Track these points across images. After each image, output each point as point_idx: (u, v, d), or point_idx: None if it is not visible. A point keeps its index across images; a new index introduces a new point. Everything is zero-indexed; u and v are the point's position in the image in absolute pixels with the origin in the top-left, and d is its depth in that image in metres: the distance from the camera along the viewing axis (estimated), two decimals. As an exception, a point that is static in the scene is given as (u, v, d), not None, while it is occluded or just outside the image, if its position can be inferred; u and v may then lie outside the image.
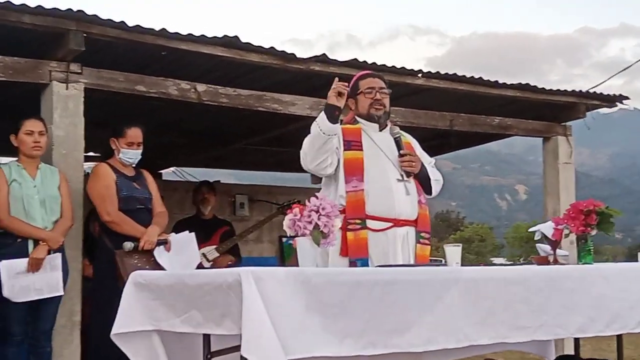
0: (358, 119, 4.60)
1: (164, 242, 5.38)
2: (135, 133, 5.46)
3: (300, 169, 10.66)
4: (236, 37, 5.86)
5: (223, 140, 8.37)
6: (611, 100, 7.67)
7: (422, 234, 4.54)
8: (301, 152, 4.37)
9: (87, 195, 5.44)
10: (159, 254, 5.36)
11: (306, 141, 4.33)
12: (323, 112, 4.26)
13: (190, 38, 5.72)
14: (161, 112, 6.95)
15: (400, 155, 4.49)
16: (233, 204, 9.33)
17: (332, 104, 4.22)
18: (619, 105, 7.77)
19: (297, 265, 3.55)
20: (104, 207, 5.30)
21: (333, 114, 4.22)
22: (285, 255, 9.61)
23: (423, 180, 4.59)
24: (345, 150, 4.44)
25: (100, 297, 5.27)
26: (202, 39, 5.76)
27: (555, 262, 4.51)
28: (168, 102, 6.19)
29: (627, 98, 7.66)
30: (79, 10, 5.32)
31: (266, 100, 6.35)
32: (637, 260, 4.83)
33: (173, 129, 7.81)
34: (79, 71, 5.56)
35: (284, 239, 9.65)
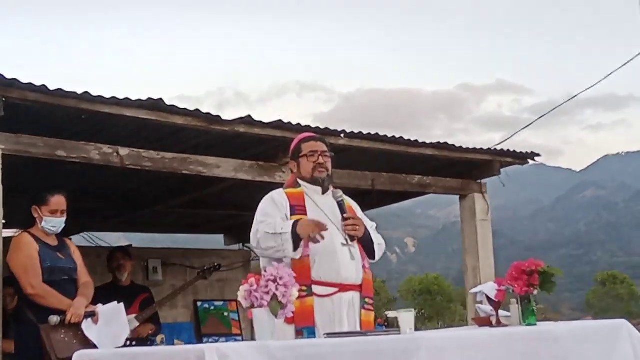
0: (300, 182, 4.55)
1: (92, 315, 5.14)
2: (58, 200, 5.24)
3: (215, 231, 10.51)
4: (160, 99, 5.74)
5: (140, 203, 8.14)
6: (523, 157, 7.85)
7: (367, 299, 4.47)
8: (255, 240, 4.32)
9: (7, 267, 5.17)
10: (87, 327, 5.12)
11: (263, 241, 4.25)
12: (291, 238, 4.17)
13: (113, 101, 5.56)
14: (77, 176, 6.70)
15: (344, 219, 4.43)
16: (146, 268, 9.05)
17: (302, 237, 4.17)
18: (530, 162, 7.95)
19: (252, 337, 3.44)
20: (27, 280, 5.04)
21: (298, 244, 4.17)
22: (201, 320, 9.37)
23: (366, 245, 4.53)
24: (290, 215, 4.36)
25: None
26: (126, 102, 5.61)
27: (498, 323, 4.51)
28: (85, 166, 5.98)
29: (538, 155, 7.86)
30: (-3, 74, 5.10)
31: (190, 163, 6.21)
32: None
33: (88, 193, 7.55)
34: (-4, 137, 5.32)
35: (199, 304, 9.42)
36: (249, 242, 10.25)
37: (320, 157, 4.52)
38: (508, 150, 7.75)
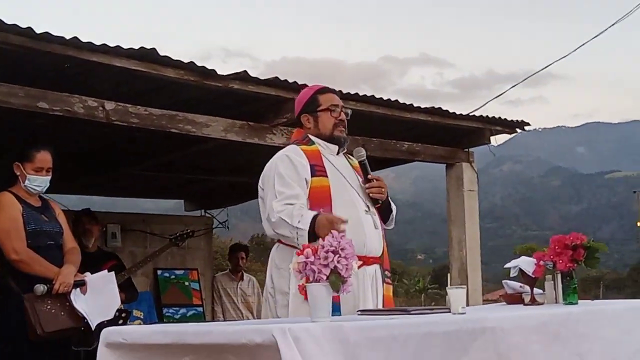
0: (314, 139, 4.02)
1: (81, 284, 4.66)
2: (44, 157, 4.73)
3: (179, 196, 9.98)
4: (154, 49, 5.21)
5: (110, 165, 7.57)
6: (513, 126, 7.58)
7: (386, 272, 4.08)
8: (269, 217, 3.79)
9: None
10: (75, 297, 4.64)
11: (278, 225, 3.75)
12: (306, 235, 3.66)
13: (103, 49, 5.02)
14: (42, 131, 6.11)
15: (367, 181, 3.99)
16: (105, 234, 8.51)
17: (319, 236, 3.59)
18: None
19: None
20: (11, 244, 4.54)
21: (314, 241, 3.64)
22: (161, 290, 8.89)
23: (385, 210, 4.11)
24: (310, 176, 3.87)
25: (6, 351, 4.49)
26: (116, 50, 5.08)
27: (534, 301, 4.19)
28: (62, 121, 5.43)
29: (528, 124, 7.60)
30: (-21, 13, 4.51)
31: (179, 121, 5.71)
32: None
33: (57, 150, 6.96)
34: (-29, 85, 4.75)
35: (159, 272, 8.94)
36: (211, 208, 9.82)
37: (341, 113, 4.05)
38: (499, 118, 7.44)
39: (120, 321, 5.46)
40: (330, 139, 4.01)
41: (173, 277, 9.06)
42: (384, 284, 4.03)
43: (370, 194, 3.99)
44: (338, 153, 4.07)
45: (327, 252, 2.99)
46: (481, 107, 8.65)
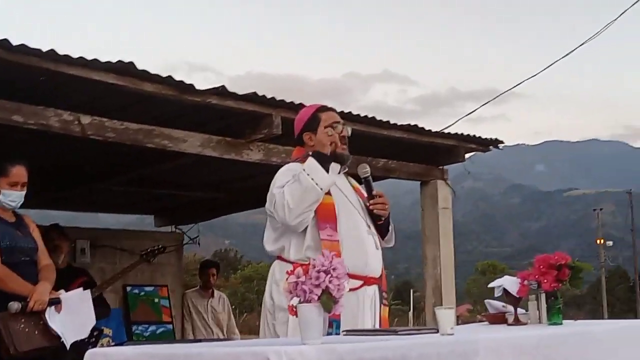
0: None
1: (57, 302, 4.55)
2: (20, 172, 4.63)
3: (146, 212, 9.85)
4: (131, 63, 5.13)
5: (80, 179, 7.43)
6: (487, 144, 7.58)
7: (384, 293, 4.04)
8: (281, 205, 3.68)
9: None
10: (50, 315, 4.52)
11: (292, 195, 3.67)
12: (316, 162, 3.70)
13: (81, 62, 4.92)
14: (25, 146, 5.98)
15: (371, 197, 3.96)
16: (73, 249, 8.34)
17: (324, 153, 3.74)
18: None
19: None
20: (-16, 260, 4.39)
21: (327, 166, 3.70)
22: (130, 306, 8.74)
23: (385, 229, 4.08)
24: None
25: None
26: (95, 64, 4.98)
27: (517, 321, 4.16)
28: (36, 135, 5.33)
29: (502, 142, 7.61)
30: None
31: (156, 136, 5.62)
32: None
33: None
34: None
35: (129, 288, 8.79)
36: (181, 224, 9.70)
37: (343, 130, 4.02)
38: (474, 136, 7.43)
39: (93, 339, 5.34)
40: (333, 157, 3.94)
41: (142, 293, 8.91)
42: (382, 305, 4.00)
43: (374, 211, 3.96)
44: (339, 172, 4.04)
45: (318, 272, 2.93)
46: (452, 124, 8.63)
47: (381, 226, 4.04)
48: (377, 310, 3.93)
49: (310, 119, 4.04)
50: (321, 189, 3.67)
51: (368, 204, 3.97)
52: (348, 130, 4.07)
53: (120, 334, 8.32)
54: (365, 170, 4.01)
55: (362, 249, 3.83)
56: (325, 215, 3.78)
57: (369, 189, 3.99)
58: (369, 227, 3.94)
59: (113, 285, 8.16)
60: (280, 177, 3.84)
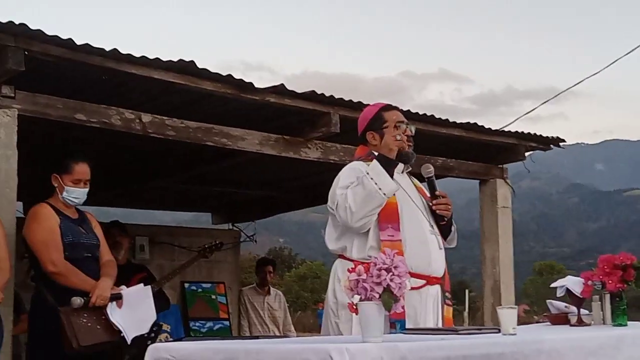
0: None
1: (118, 297, 4.61)
2: (83, 169, 4.69)
3: (207, 209, 9.93)
4: (192, 61, 5.18)
5: (137, 177, 7.52)
6: (548, 142, 7.48)
7: (447, 293, 4.02)
8: (343, 208, 3.71)
9: (23, 242, 4.58)
10: (112, 311, 4.58)
11: (354, 198, 3.68)
12: (380, 166, 3.68)
13: (142, 61, 4.98)
14: (73, 143, 6.07)
15: (434, 197, 3.94)
16: (133, 246, 8.45)
17: (390, 158, 3.71)
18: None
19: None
20: (48, 256, 4.48)
21: (391, 171, 3.68)
22: (188, 303, 8.84)
23: (447, 229, 4.06)
24: None
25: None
26: (156, 63, 5.04)
27: (580, 322, 4.09)
28: (85, 132, 5.41)
29: (563, 140, 7.50)
30: (21, 24, 4.47)
31: (215, 134, 5.66)
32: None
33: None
34: (12, 95, 4.70)
35: (186, 285, 8.88)
36: (238, 221, 9.76)
37: (408, 130, 3.99)
38: (534, 134, 7.34)
39: (152, 334, 5.40)
40: (397, 156, 3.90)
41: (200, 290, 9.00)
42: (445, 305, 3.99)
43: (437, 211, 3.96)
44: (403, 171, 4.03)
45: (379, 269, 2.91)
46: (511, 123, 8.54)
47: (444, 226, 4.03)
48: (440, 310, 3.94)
49: (374, 118, 4.03)
50: (384, 194, 3.66)
51: (431, 204, 3.96)
52: (412, 129, 4.04)
53: (178, 330, 8.40)
54: (429, 170, 4.00)
55: (426, 248, 3.83)
56: (388, 216, 3.78)
57: (432, 189, 3.98)
58: (432, 227, 3.95)
59: (171, 281, 8.27)
60: (344, 177, 3.84)
